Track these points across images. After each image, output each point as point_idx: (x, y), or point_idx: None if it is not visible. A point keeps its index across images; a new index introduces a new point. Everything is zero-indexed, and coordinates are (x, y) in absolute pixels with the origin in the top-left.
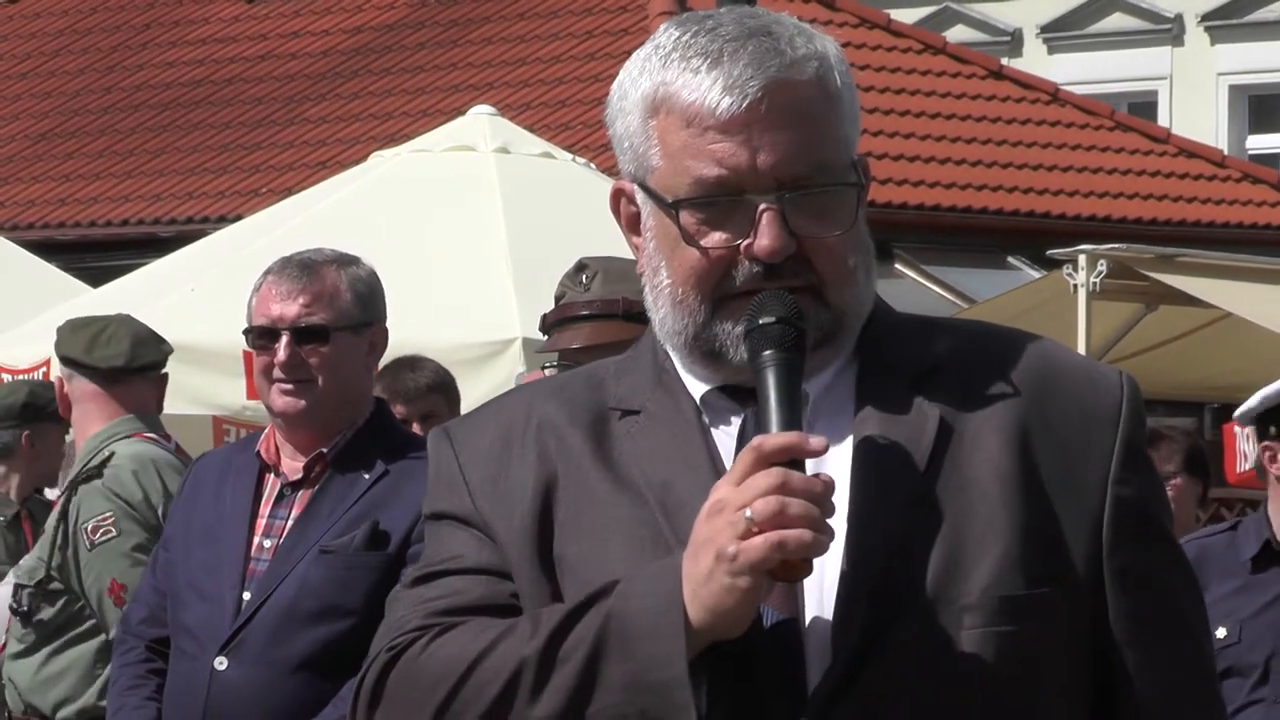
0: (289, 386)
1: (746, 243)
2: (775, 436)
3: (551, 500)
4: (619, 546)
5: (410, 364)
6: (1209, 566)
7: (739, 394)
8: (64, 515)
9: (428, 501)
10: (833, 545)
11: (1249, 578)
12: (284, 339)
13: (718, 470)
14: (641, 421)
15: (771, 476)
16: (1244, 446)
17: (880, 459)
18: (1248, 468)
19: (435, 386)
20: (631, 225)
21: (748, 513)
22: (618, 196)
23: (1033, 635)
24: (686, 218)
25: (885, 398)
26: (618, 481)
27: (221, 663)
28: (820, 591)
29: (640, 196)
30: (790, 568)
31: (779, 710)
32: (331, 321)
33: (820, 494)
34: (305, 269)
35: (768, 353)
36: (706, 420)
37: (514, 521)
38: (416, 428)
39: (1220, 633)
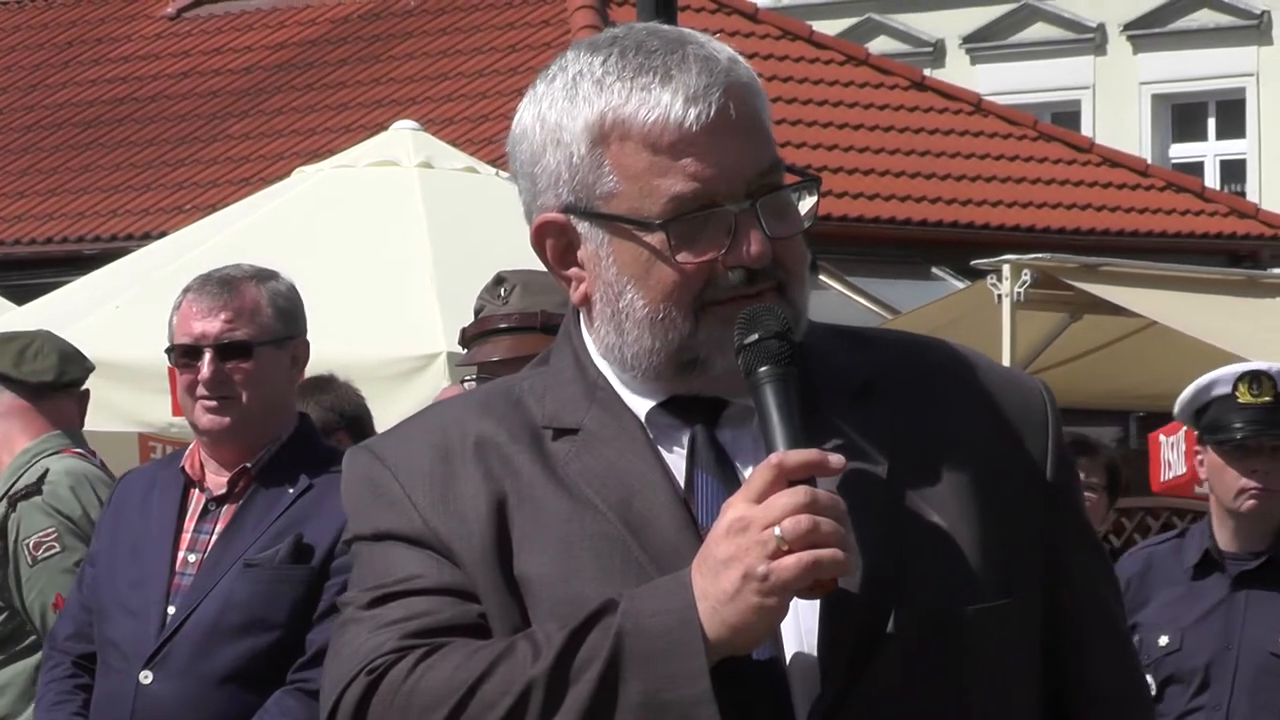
0: (213, 403)
1: (727, 252)
2: (796, 453)
3: (505, 519)
4: (588, 565)
5: (331, 379)
6: (1155, 574)
7: (681, 410)
8: (3, 532)
9: (361, 520)
10: None
11: (1190, 585)
12: (207, 356)
13: (674, 488)
14: (582, 439)
15: (799, 495)
16: (1168, 455)
17: (840, 481)
18: (1171, 476)
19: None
20: (561, 258)
21: (777, 531)
22: (543, 231)
23: (1002, 645)
24: (661, 237)
25: (829, 416)
26: (573, 500)
27: (147, 677)
28: (796, 618)
29: (584, 226)
30: (817, 586)
31: None
32: (253, 337)
33: (844, 512)
34: (225, 285)
35: (764, 369)
36: (651, 436)
37: (473, 541)
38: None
39: (1163, 640)
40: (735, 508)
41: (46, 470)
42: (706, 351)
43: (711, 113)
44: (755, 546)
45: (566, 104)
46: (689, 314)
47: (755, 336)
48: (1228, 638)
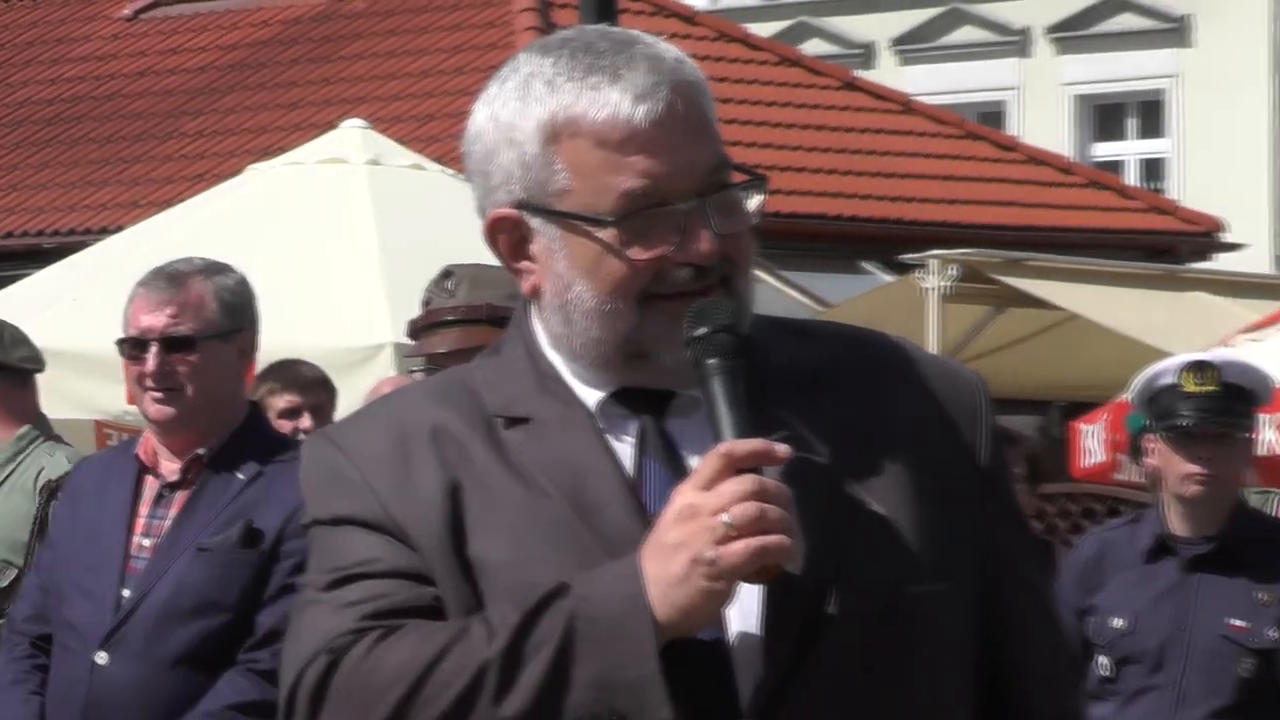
0: (159, 394)
1: (676, 249)
2: (745, 443)
3: (460, 505)
4: (541, 549)
5: (297, 361)
6: (1109, 559)
7: (631, 400)
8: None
9: (318, 505)
10: None
11: (1144, 569)
12: (153, 349)
13: (622, 474)
14: (533, 429)
15: (748, 483)
16: (1088, 444)
17: (785, 469)
18: (1091, 463)
19: (324, 381)
20: (514, 252)
21: (725, 517)
22: (496, 226)
23: (939, 629)
24: (613, 233)
25: (774, 406)
26: (526, 487)
27: (102, 657)
28: (740, 601)
29: (536, 222)
30: (763, 571)
31: (716, 716)
32: (197, 331)
33: (790, 500)
34: (172, 280)
35: (713, 361)
36: (601, 426)
37: (429, 526)
38: (306, 418)
39: (1118, 622)
40: (685, 495)
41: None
42: (653, 344)
43: (660, 110)
44: (704, 532)
45: (519, 104)
46: (635, 307)
47: (704, 330)
48: (1181, 620)
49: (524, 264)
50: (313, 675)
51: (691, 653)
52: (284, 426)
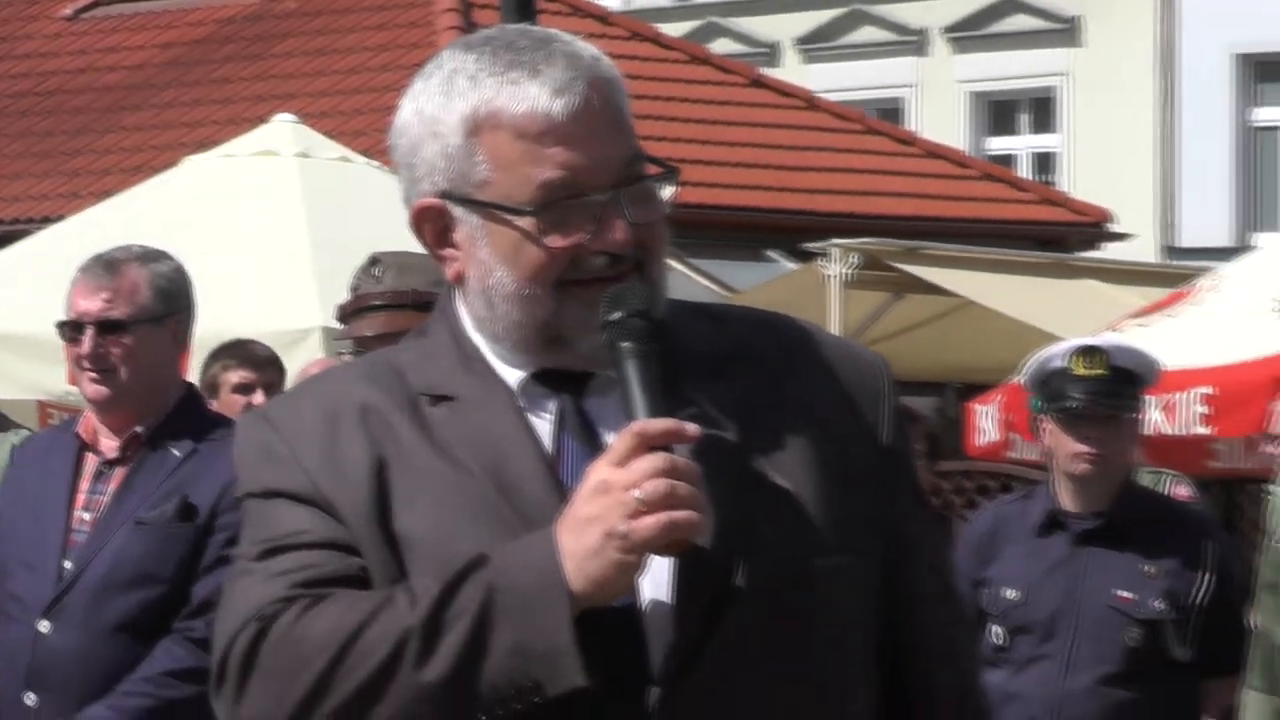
0: (94, 375)
1: (592, 238)
2: (657, 422)
3: (385, 479)
4: (463, 524)
5: (250, 340)
6: (1003, 533)
7: (551, 380)
8: None
9: (250, 479)
10: None
11: (1035, 543)
12: (88, 332)
13: (541, 452)
14: (456, 407)
15: (658, 460)
16: (982, 423)
17: (696, 447)
18: (985, 442)
19: (275, 360)
20: (438, 239)
21: (637, 493)
22: (421, 215)
23: (842, 599)
24: (531, 222)
25: (687, 386)
26: (449, 462)
27: (45, 626)
28: (652, 572)
29: (459, 211)
30: (673, 545)
31: (628, 682)
32: (130, 316)
33: (699, 477)
34: (109, 267)
35: (627, 344)
36: (521, 404)
37: (356, 500)
38: (259, 394)
39: (1011, 594)
40: (599, 471)
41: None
42: (570, 328)
43: (577, 104)
44: (616, 507)
45: (443, 99)
46: (552, 293)
47: (619, 314)
48: (1070, 591)
49: (448, 251)
50: (243, 642)
51: (606, 621)
52: (237, 402)
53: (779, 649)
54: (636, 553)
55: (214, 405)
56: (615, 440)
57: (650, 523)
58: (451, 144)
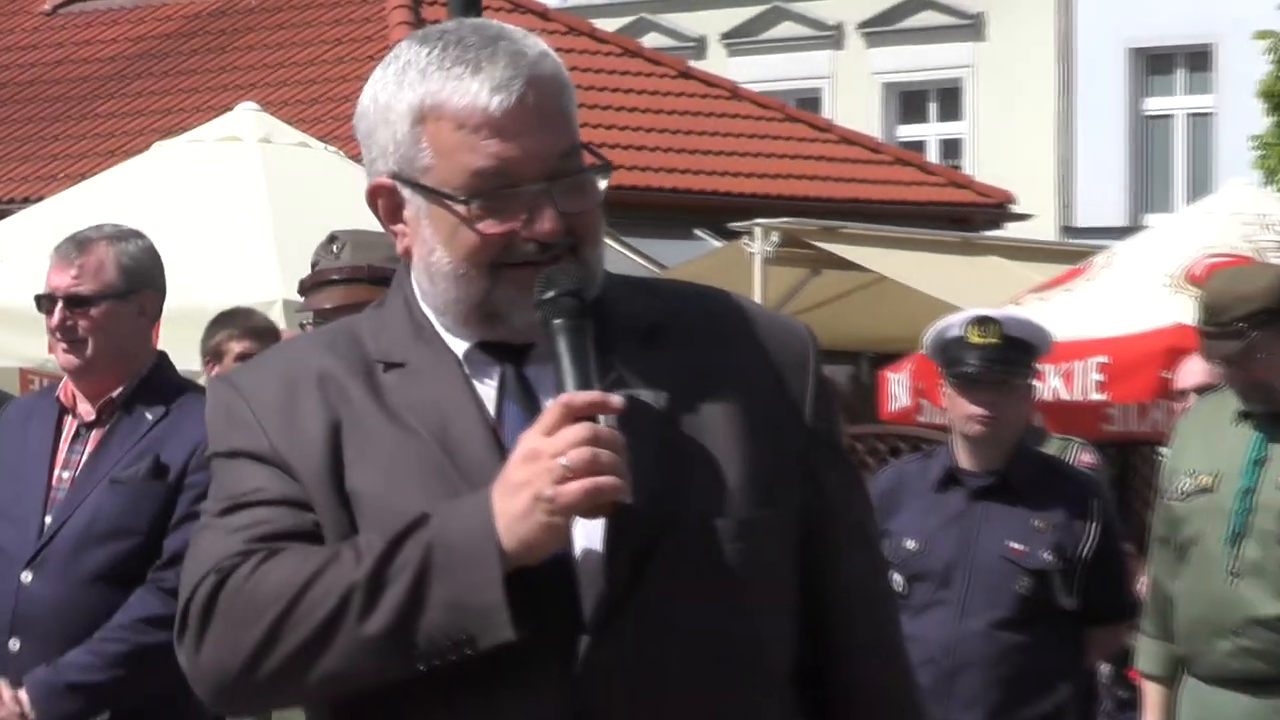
0: (65, 345)
1: (523, 226)
2: (582, 395)
3: (339, 442)
4: (411, 483)
5: (250, 310)
6: (904, 488)
7: (495, 350)
8: None
9: (217, 440)
10: None
11: (934, 498)
12: (58, 306)
13: (484, 416)
14: (407, 372)
15: (584, 429)
16: (894, 390)
17: (627, 410)
18: (897, 407)
19: (273, 329)
20: (390, 216)
21: (563, 460)
22: (375, 192)
23: (764, 552)
24: (467, 208)
25: (623, 354)
26: (398, 425)
27: (27, 577)
28: (585, 528)
29: (407, 192)
30: (598, 508)
31: (559, 631)
32: (96, 291)
33: (623, 445)
34: (80, 246)
35: (558, 321)
36: (467, 371)
37: (310, 461)
38: None
39: (910, 544)
40: (529, 440)
41: None
42: (504, 307)
43: (512, 100)
44: (544, 473)
45: (395, 88)
46: (486, 274)
47: (551, 294)
48: (965, 542)
49: (399, 227)
50: (203, 592)
51: (542, 572)
52: None
53: (703, 599)
54: (562, 515)
55: (217, 370)
56: (545, 411)
57: (575, 488)
58: (400, 131)
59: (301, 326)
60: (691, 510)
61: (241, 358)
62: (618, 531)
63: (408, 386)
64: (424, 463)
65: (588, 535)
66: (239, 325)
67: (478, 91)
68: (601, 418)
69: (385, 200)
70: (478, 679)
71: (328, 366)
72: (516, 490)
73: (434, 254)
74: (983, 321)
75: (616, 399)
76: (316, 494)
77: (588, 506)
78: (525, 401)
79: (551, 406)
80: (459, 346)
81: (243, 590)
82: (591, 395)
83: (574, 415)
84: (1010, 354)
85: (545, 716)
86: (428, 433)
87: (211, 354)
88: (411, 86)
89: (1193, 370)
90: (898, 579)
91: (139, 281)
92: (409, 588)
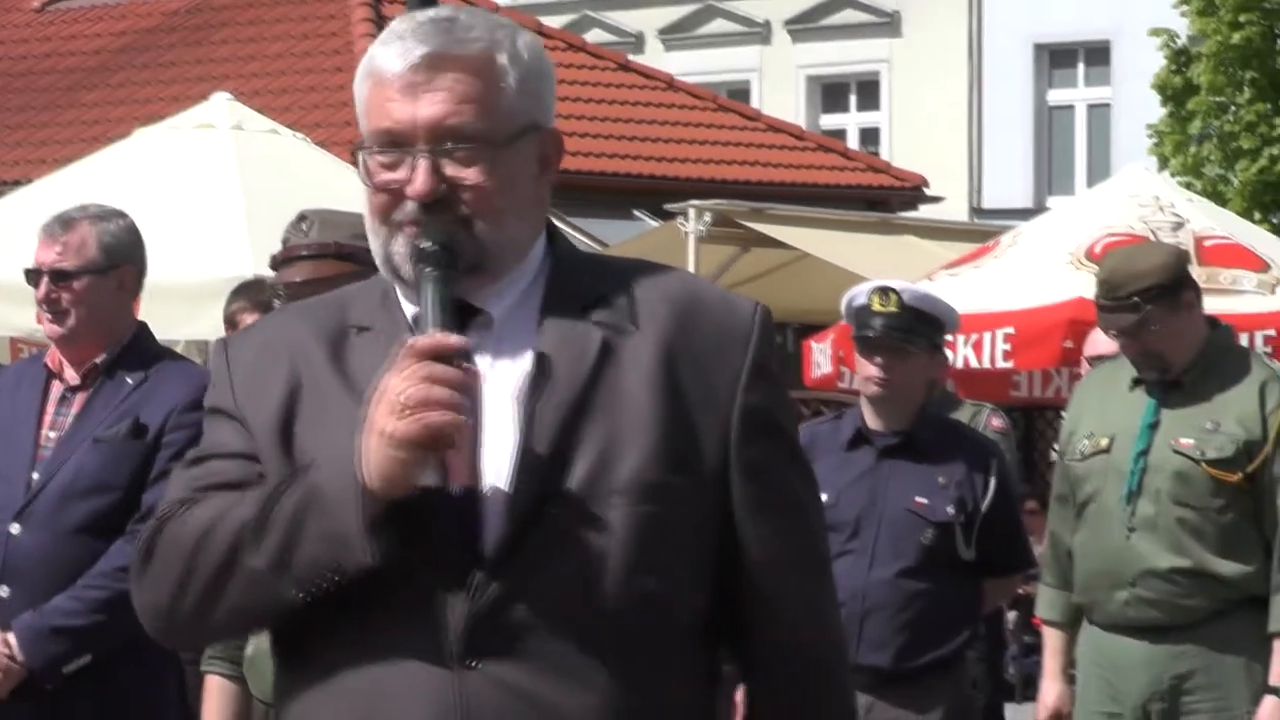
0: (50, 316)
1: (403, 184)
2: (425, 338)
3: (295, 401)
4: (348, 440)
5: (263, 283)
6: (818, 447)
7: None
8: None
9: (209, 397)
10: (508, 439)
11: (845, 455)
12: (43, 279)
13: None
14: (371, 335)
15: (420, 368)
16: (817, 358)
17: (551, 369)
18: (819, 374)
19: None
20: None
21: (402, 398)
22: (354, 154)
23: (669, 515)
24: (368, 162)
25: (561, 321)
26: (350, 387)
27: (15, 528)
28: (498, 471)
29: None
30: (436, 442)
31: (457, 562)
32: (77, 267)
33: (462, 382)
34: (64, 225)
35: (426, 270)
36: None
37: (265, 419)
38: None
39: (824, 497)
40: (382, 381)
41: None
42: (399, 260)
43: (404, 67)
44: (387, 410)
45: (364, 59)
46: (384, 228)
47: (424, 245)
48: (874, 496)
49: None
50: (144, 537)
51: (447, 509)
52: None
53: (599, 550)
54: (404, 450)
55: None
56: (397, 353)
57: (408, 423)
58: (359, 93)
59: (275, 298)
60: (596, 467)
61: None
62: (520, 478)
63: (370, 349)
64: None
65: (495, 478)
66: (251, 298)
67: (392, 61)
68: (531, 372)
69: (358, 160)
70: (388, 608)
71: (301, 334)
72: (370, 429)
73: (366, 210)
74: (884, 291)
75: (458, 339)
76: (265, 448)
77: (424, 440)
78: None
79: (403, 350)
80: (411, 310)
81: (170, 533)
82: (432, 338)
83: (419, 356)
84: (908, 321)
85: (444, 641)
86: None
87: (228, 321)
88: (368, 57)
89: (1100, 340)
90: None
91: (118, 258)
92: (288, 524)
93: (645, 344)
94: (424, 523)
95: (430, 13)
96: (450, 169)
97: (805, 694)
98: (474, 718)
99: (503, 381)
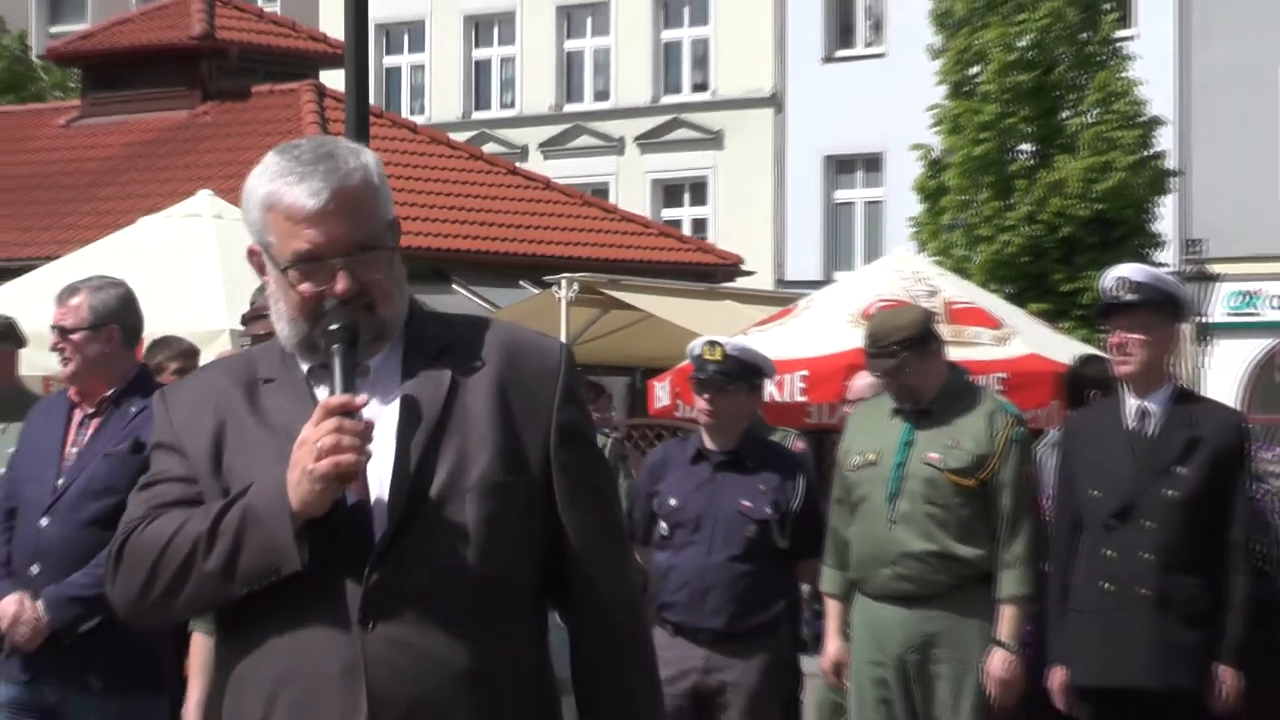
0: (60, 361)
1: (328, 288)
2: (335, 398)
3: (222, 435)
4: (268, 465)
5: (178, 338)
6: (669, 462)
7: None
8: None
9: (153, 435)
10: (387, 459)
11: (689, 468)
12: (55, 334)
13: None
14: (276, 386)
15: (331, 423)
16: (660, 394)
17: (414, 405)
18: (660, 406)
19: (195, 350)
20: (260, 271)
21: (319, 445)
22: (251, 253)
23: (510, 506)
24: (288, 276)
25: (419, 368)
26: (265, 426)
27: (44, 522)
28: (381, 485)
29: (265, 257)
30: (341, 476)
31: (357, 558)
32: (73, 325)
33: (362, 431)
34: (69, 292)
35: (334, 346)
36: (310, 383)
37: (200, 450)
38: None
39: (673, 501)
40: (303, 431)
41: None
42: (319, 341)
43: (319, 204)
44: (307, 454)
45: (255, 184)
46: (307, 320)
47: (333, 327)
48: (711, 500)
49: (265, 280)
50: (115, 544)
51: (343, 516)
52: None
53: (460, 538)
54: (321, 483)
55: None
56: (315, 410)
57: (323, 464)
58: (256, 214)
59: (243, 347)
60: (454, 475)
61: (177, 372)
62: (395, 489)
63: (275, 396)
64: (278, 451)
65: (379, 489)
66: (171, 349)
67: (298, 195)
68: (398, 405)
69: (255, 260)
70: (302, 592)
71: (223, 383)
72: (293, 466)
73: (279, 304)
74: (712, 344)
75: (361, 398)
76: (202, 473)
77: (335, 475)
78: None
79: (318, 408)
80: (305, 366)
81: (134, 544)
82: (340, 398)
83: (330, 412)
84: (730, 368)
85: (345, 620)
86: (283, 429)
87: (156, 368)
88: (264, 185)
89: (860, 385)
90: (664, 526)
91: (107, 319)
92: (233, 536)
93: (483, 378)
94: (331, 525)
95: (310, 149)
96: (361, 272)
97: (613, 636)
98: (373, 666)
99: (379, 415)
